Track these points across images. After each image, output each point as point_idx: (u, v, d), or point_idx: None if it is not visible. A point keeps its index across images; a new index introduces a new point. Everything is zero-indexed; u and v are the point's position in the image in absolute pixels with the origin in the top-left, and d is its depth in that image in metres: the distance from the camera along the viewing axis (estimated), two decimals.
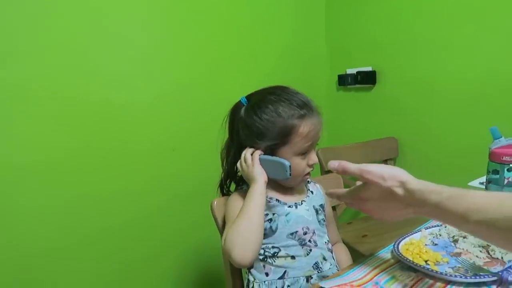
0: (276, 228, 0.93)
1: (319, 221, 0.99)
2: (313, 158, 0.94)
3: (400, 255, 0.73)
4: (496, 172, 0.92)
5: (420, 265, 0.69)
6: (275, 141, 0.92)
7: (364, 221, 1.85)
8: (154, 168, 1.55)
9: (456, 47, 1.62)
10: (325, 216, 1.04)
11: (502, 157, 0.90)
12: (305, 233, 0.95)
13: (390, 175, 0.67)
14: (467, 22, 1.56)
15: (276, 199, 0.97)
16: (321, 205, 1.03)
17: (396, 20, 1.82)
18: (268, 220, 0.94)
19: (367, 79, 1.95)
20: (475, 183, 1.14)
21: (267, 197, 0.96)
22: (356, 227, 1.77)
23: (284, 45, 1.96)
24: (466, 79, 1.60)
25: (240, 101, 1.00)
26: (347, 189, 0.80)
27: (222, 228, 1.03)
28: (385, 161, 1.90)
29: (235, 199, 0.97)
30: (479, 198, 0.56)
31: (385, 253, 0.78)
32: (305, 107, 0.92)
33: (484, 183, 0.97)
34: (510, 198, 0.53)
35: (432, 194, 0.60)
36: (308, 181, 1.08)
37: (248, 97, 0.99)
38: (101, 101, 1.39)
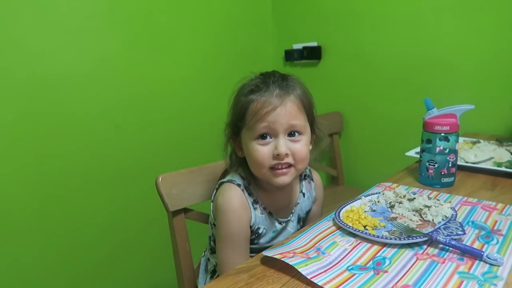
0: (259, 241, 0.90)
1: (297, 229, 0.96)
2: (279, 148, 0.78)
3: (341, 221, 0.76)
4: (429, 141, 0.97)
5: (359, 230, 0.72)
6: (237, 122, 0.84)
7: None
8: (96, 147, 1.48)
9: (394, 21, 1.68)
10: (307, 216, 0.99)
11: (434, 127, 0.95)
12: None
13: None
14: None
15: (269, 212, 0.89)
16: (307, 212, 0.99)
17: None
18: (256, 234, 0.88)
19: (313, 54, 1.98)
20: (411, 153, 1.21)
21: (261, 205, 0.88)
22: None
23: (231, 21, 1.92)
24: (402, 53, 1.68)
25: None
26: None
27: (172, 206, 0.99)
28: (330, 135, 1.95)
29: (237, 210, 0.83)
30: None
31: (327, 221, 0.80)
32: (262, 83, 0.81)
33: (419, 152, 1.03)
34: None
35: None
36: (305, 177, 0.98)
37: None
38: (29, 76, 1.28)
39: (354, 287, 0.56)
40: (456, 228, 0.71)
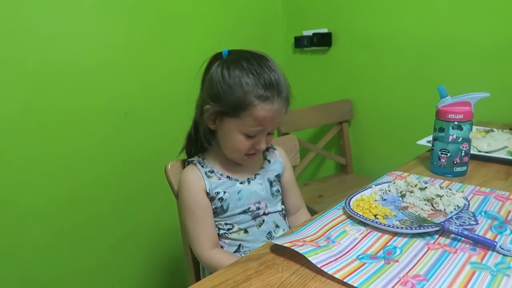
0: (228, 207, 0.93)
1: (272, 194, 0.99)
2: (261, 144, 0.89)
3: (351, 210, 0.75)
4: (442, 130, 0.96)
5: (369, 219, 0.72)
6: (225, 109, 0.85)
7: (321, 182, 1.90)
8: (105, 135, 1.48)
9: (406, 8, 1.65)
10: (280, 185, 1.03)
11: (448, 115, 0.94)
12: (257, 208, 0.95)
13: None
14: None
15: (227, 176, 0.94)
16: (277, 176, 1.01)
17: None
18: (219, 199, 0.92)
19: (323, 41, 1.95)
20: (423, 141, 1.19)
21: (217, 172, 0.94)
22: (312, 188, 1.82)
23: (240, 7, 1.89)
24: (416, 40, 1.64)
25: (221, 52, 0.91)
26: None
27: (177, 194, 1.01)
28: (339, 123, 1.94)
29: (189, 182, 0.92)
30: None
31: (337, 210, 0.80)
32: (272, 89, 0.84)
33: (431, 141, 1.01)
34: None
35: None
36: (267, 148, 1.02)
37: (229, 53, 0.90)
38: (39, 64, 1.28)
39: (364, 276, 0.56)
40: (469, 218, 0.70)
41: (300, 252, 0.60)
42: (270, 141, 0.93)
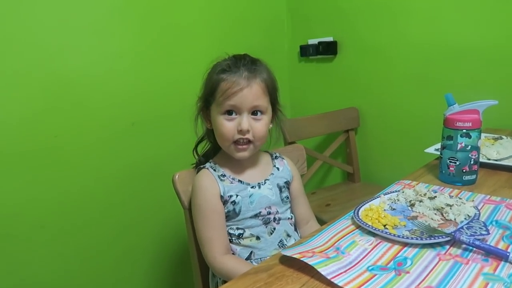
0: (240, 211, 0.94)
1: (282, 199, 1.00)
2: (243, 124, 0.89)
3: (360, 220, 0.75)
4: (450, 138, 0.95)
5: (379, 229, 0.71)
6: (207, 96, 0.94)
7: (328, 191, 1.90)
8: (112, 145, 1.49)
9: (413, 15, 1.65)
10: (289, 192, 1.04)
11: (456, 123, 0.93)
12: (268, 213, 0.96)
13: None
14: None
15: (239, 180, 0.97)
16: (286, 182, 1.03)
17: None
18: (231, 202, 0.94)
19: (329, 49, 1.95)
20: (430, 150, 1.19)
21: (229, 177, 0.96)
22: (320, 197, 1.82)
23: (245, 15, 1.91)
24: (422, 48, 1.64)
25: None
26: None
27: (188, 204, 1.01)
28: (346, 131, 1.93)
29: (203, 186, 0.94)
30: None
31: (346, 220, 0.79)
32: (233, 65, 0.91)
33: (439, 149, 1.00)
34: None
35: None
36: (276, 157, 1.07)
37: None
38: (47, 76, 1.30)
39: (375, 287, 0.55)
40: (480, 228, 0.69)
41: (309, 263, 0.60)
42: (258, 129, 0.92)
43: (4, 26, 1.20)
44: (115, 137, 1.49)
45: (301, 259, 0.61)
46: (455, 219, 0.75)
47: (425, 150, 1.18)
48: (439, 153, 1.02)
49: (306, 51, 2.06)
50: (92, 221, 1.47)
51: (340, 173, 2.11)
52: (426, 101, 1.66)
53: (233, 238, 0.95)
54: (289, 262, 0.64)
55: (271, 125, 1.00)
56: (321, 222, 1.24)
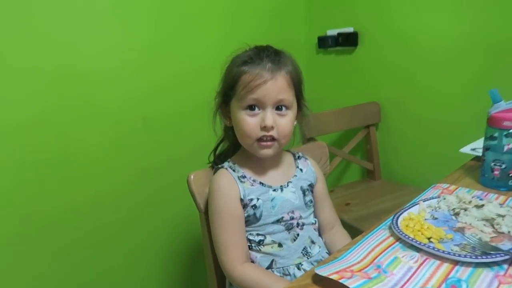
0: (261, 216, 0.86)
1: (305, 203, 0.92)
2: (267, 120, 0.81)
3: (400, 232, 0.66)
4: (493, 138, 0.86)
5: (423, 244, 0.63)
6: (227, 91, 0.87)
7: (347, 189, 1.81)
8: (122, 140, 1.41)
9: (440, 4, 1.53)
10: (313, 196, 0.96)
11: (502, 122, 0.84)
12: (291, 218, 0.88)
13: None
14: None
15: (260, 182, 0.89)
16: (310, 185, 0.95)
17: None
18: (252, 206, 0.86)
19: (349, 40, 1.85)
20: (466, 149, 1.09)
21: (250, 178, 0.88)
22: (338, 195, 1.73)
23: (261, 5, 1.81)
24: (452, 38, 1.52)
25: None
26: None
27: (204, 207, 0.94)
28: (366, 127, 1.84)
29: (221, 188, 0.87)
30: None
31: (383, 230, 0.71)
32: (256, 56, 0.83)
33: (480, 150, 0.91)
34: None
35: None
36: (299, 157, 0.99)
37: None
38: (55, 70, 1.22)
39: None
40: None
41: (350, 286, 0.52)
42: (283, 126, 0.84)
43: (12, 18, 1.13)
44: (126, 134, 1.42)
45: (340, 280, 0.53)
46: (509, 231, 0.66)
47: (461, 150, 1.09)
48: (476, 153, 0.93)
49: (324, 43, 1.96)
50: (100, 218, 1.40)
51: (358, 170, 2.02)
52: (456, 96, 1.54)
53: (253, 245, 0.88)
54: (324, 281, 0.57)
55: (295, 122, 0.92)
56: (342, 222, 1.16)
